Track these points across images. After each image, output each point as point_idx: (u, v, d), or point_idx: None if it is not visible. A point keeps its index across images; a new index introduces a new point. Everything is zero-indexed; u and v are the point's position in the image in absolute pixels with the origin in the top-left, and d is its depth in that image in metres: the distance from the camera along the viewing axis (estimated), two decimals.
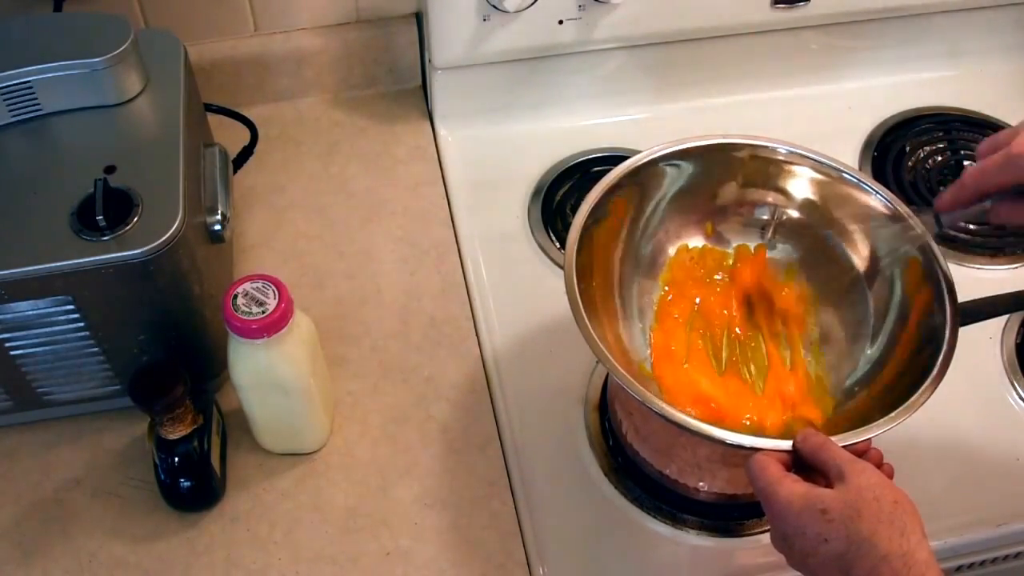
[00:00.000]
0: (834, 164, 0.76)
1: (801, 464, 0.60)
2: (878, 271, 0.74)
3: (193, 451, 0.72)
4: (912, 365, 0.68)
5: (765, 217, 0.79)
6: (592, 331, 0.65)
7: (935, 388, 0.63)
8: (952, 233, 0.69)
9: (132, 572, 0.73)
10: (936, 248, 0.70)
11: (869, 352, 0.73)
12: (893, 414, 0.62)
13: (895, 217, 0.73)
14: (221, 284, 0.79)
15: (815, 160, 0.76)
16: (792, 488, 0.57)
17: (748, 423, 0.73)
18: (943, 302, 0.68)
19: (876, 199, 0.74)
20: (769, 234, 0.79)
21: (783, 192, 0.78)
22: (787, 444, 0.60)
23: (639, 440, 0.75)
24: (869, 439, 0.61)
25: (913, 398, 0.62)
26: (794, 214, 0.78)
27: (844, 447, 0.59)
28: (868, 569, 0.53)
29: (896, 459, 0.62)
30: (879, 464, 0.60)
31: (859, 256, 0.76)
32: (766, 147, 0.76)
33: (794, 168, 0.77)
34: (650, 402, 0.62)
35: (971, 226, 0.94)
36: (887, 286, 0.74)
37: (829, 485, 0.57)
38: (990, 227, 0.93)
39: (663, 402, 0.62)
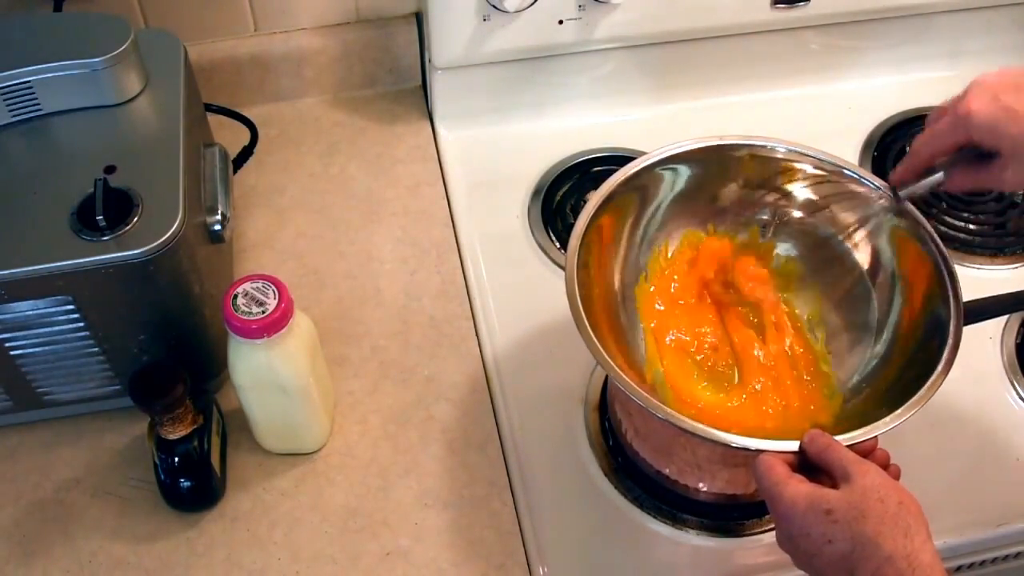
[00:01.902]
0: (834, 161, 0.75)
1: (807, 465, 0.60)
2: (881, 266, 0.74)
3: (193, 451, 0.72)
4: (916, 361, 0.67)
5: (766, 217, 0.79)
6: (592, 333, 0.65)
7: (941, 383, 0.63)
8: (909, 206, 0.71)
9: (132, 572, 0.72)
10: (941, 244, 0.70)
11: (875, 349, 0.73)
12: (899, 411, 0.62)
13: (897, 212, 0.73)
14: (221, 284, 0.79)
15: (815, 158, 0.76)
16: (797, 488, 0.57)
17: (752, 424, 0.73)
18: (947, 297, 0.68)
19: (877, 194, 0.74)
20: (770, 234, 0.79)
21: (784, 192, 0.78)
22: (793, 445, 0.60)
23: (639, 440, 0.75)
24: (875, 438, 0.61)
25: (918, 394, 0.62)
26: (795, 213, 0.78)
27: (850, 446, 0.59)
28: (872, 570, 0.53)
29: (896, 459, 0.61)
30: (885, 465, 0.60)
31: (862, 252, 0.76)
32: (765, 147, 0.76)
33: (794, 167, 0.77)
34: (653, 407, 0.62)
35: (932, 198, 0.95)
36: (890, 281, 0.74)
37: (835, 486, 0.57)
38: (948, 196, 0.97)
39: (665, 405, 0.62)
